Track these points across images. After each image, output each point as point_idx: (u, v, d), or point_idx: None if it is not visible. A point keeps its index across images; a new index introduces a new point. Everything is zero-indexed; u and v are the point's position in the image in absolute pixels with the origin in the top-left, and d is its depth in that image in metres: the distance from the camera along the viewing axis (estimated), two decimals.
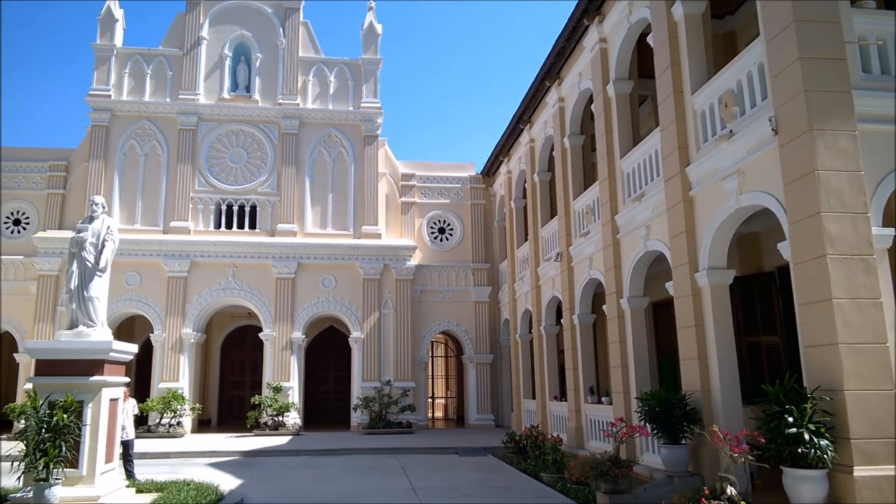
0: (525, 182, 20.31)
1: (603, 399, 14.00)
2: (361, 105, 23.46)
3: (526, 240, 19.91)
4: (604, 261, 13.45)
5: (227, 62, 23.32)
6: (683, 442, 9.39)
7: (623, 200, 12.86)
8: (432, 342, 24.99)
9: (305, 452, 16.44)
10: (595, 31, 13.91)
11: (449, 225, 24.24)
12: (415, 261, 23.04)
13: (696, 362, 9.54)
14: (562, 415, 16.28)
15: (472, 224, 24.22)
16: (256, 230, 22.27)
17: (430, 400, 25.64)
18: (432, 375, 27.15)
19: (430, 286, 23.25)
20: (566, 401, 15.78)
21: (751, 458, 7.51)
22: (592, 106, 14.43)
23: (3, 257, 21.43)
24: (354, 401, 21.33)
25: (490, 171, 24.28)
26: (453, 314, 23.26)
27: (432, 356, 26.51)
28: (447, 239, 24.12)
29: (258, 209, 22.47)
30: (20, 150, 22.66)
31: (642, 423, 10.00)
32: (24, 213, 22.18)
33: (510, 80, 65.96)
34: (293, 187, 22.62)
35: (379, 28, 24.06)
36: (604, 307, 13.45)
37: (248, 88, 23.34)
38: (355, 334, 21.97)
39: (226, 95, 23.02)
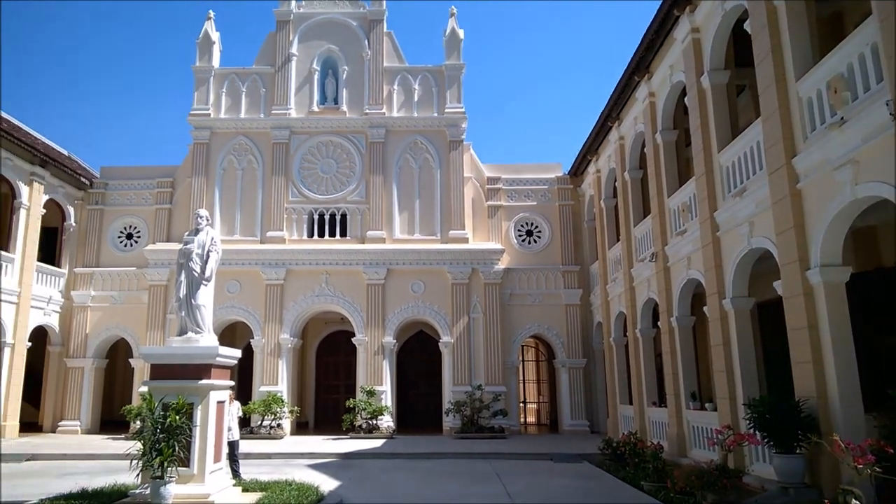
0: (615, 181, 19.80)
1: (706, 405, 13.37)
2: (446, 111, 23.63)
3: (618, 240, 19.38)
4: (703, 260, 12.87)
5: (316, 76, 24.09)
6: (798, 451, 8.79)
7: (722, 196, 12.26)
8: (522, 346, 24.71)
9: (400, 455, 16.64)
10: (686, 22, 13.37)
11: (537, 227, 23.96)
12: (503, 264, 22.91)
13: (811, 366, 8.93)
14: (661, 421, 15.68)
15: (560, 225, 23.83)
16: (347, 237, 22.82)
17: (521, 405, 25.36)
18: (523, 380, 26.86)
19: (519, 289, 23.04)
20: (665, 407, 15.20)
21: (877, 469, 6.93)
22: (686, 99, 13.87)
23: (117, 269, 23.05)
24: (446, 405, 21.41)
25: (578, 170, 23.83)
26: (544, 317, 22.93)
27: (523, 360, 26.23)
28: (535, 241, 23.85)
29: (348, 217, 23.03)
30: (131, 170, 24.34)
31: (751, 430, 9.46)
32: (135, 228, 23.76)
33: (596, 78, 64.70)
34: (381, 194, 23.05)
35: (461, 33, 24.18)
36: (704, 308, 12.86)
37: (336, 100, 24.01)
38: (445, 339, 22.08)
39: (315, 108, 23.77)
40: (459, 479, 12.96)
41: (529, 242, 23.83)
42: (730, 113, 12.68)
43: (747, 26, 10.91)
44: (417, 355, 25.30)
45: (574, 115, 64.16)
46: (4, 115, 21.20)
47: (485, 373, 21.76)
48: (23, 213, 20.87)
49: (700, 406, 13.60)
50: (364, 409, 20.57)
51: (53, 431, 21.89)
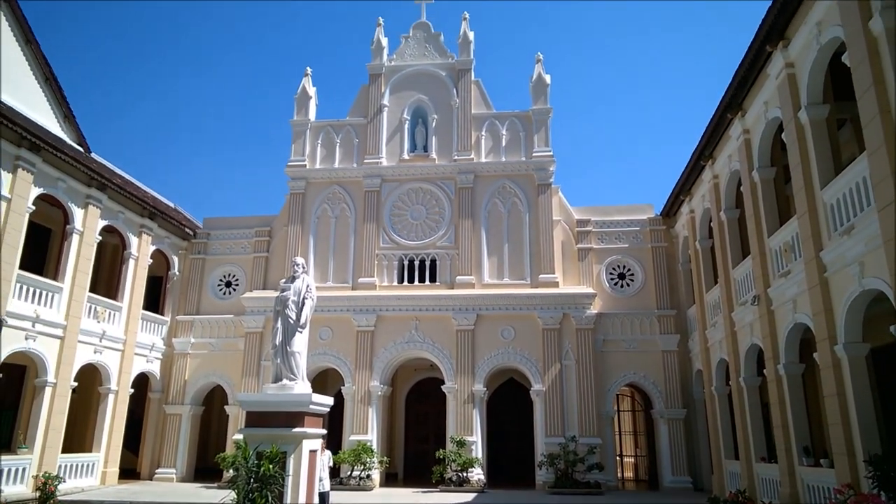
0: (710, 221, 19.00)
1: (821, 461, 12.29)
2: (533, 155, 23.65)
3: (716, 283, 18.48)
4: (811, 303, 12.01)
5: (406, 125, 24.84)
6: None
7: (828, 235, 11.48)
8: (618, 395, 23.71)
9: None
10: (780, 57, 12.85)
11: (629, 270, 23.25)
12: (594, 309, 22.30)
13: None
14: (772, 478, 14.49)
15: (654, 268, 23.01)
16: (437, 283, 22.99)
17: (618, 458, 24.18)
18: (619, 431, 25.69)
19: (612, 335, 22.27)
20: (776, 462, 14.08)
21: None
22: (783, 135, 13.22)
23: (215, 317, 24.11)
24: (538, 457, 20.73)
25: (670, 211, 23.08)
26: (639, 365, 21.99)
27: (618, 410, 25.14)
28: (628, 285, 23.12)
29: (437, 262, 23.25)
30: (232, 220, 25.72)
31: (875, 490, 8.58)
32: (234, 276, 24.89)
33: (686, 116, 63.18)
34: (470, 239, 23.17)
35: (547, 78, 24.32)
36: (814, 355, 11.95)
37: (425, 148, 24.60)
38: (536, 387, 21.57)
39: (406, 156, 24.43)
40: None
41: (622, 286, 23.12)
42: (831, 148, 11.95)
43: (846, 59, 10.34)
44: (508, 404, 24.84)
45: (664, 155, 62.72)
46: (118, 170, 22.93)
47: (578, 423, 21.01)
48: (132, 263, 22.20)
49: (815, 462, 12.52)
50: (454, 461, 20.25)
51: (151, 479, 22.39)
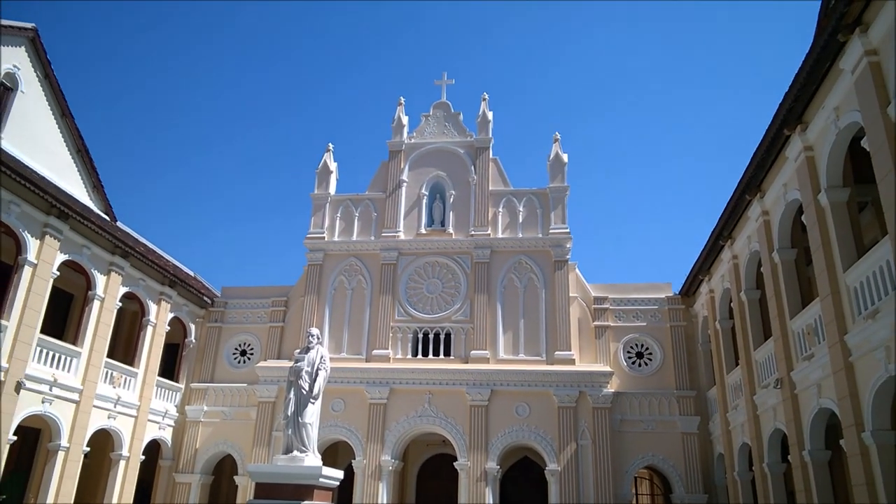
0: (730, 301, 18.85)
1: None
2: (550, 231, 23.84)
3: (737, 364, 18.16)
4: (836, 387, 11.74)
5: (424, 200, 25.26)
6: None
7: (852, 318, 11.34)
8: (636, 478, 22.94)
9: None
10: (798, 141, 13.07)
11: (647, 349, 22.94)
12: (612, 387, 21.89)
13: None
14: None
15: (672, 347, 22.69)
16: (451, 357, 22.79)
17: None
18: None
19: (629, 415, 21.75)
20: None
21: None
22: (803, 217, 13.29)
23: (229, 385, 24.00)
24: None
25: (689, 290, 22.95)
26: (658, 447, 21.35)
27: (636, 494, 24.25)
28: (646, 364, 22.75)
29: (452, 336, 23.11)
30: (249, 290, 25.92)
31: None
32: (249, 345, 24.89)
33: (704, 196, 63.73)
34: (485, 314, 23.09)
35: (565, 157, 24.80)
36: (841, 442, 11.57)
37: (442, 223, 24.92)
38: (551, 466, 20.95)
39: (423, 230, 24.72)
40: None
41: (640, 365, 22.76)
42: (853, 230, 11.96)
43: (865, 143, 10.50)
44: (522, 483, 24.08)
45: (683, 233, 62.92)
46: (141, 238, 23.46)
47: None
48: (149, 329, 22.35)
49: None
50: None
51: None
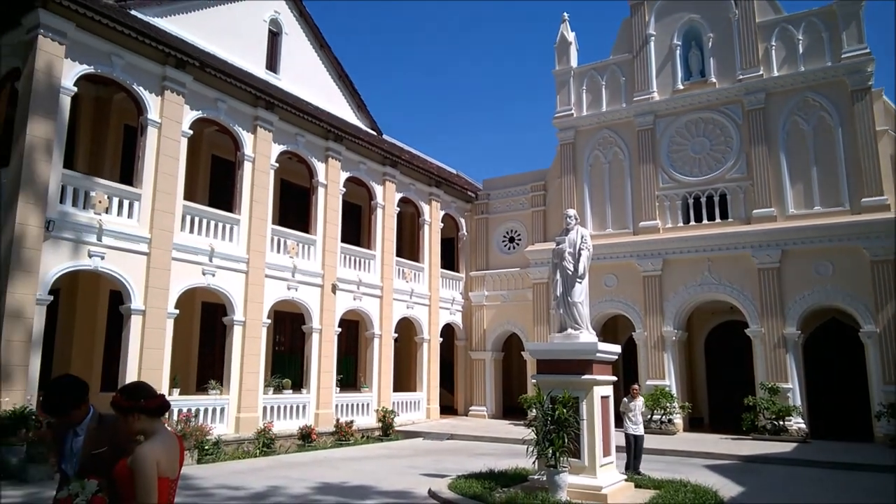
0: None
1: None
2: (843, 56, 19.81)
3: None
4: None
5: (678, 51, 22.71)
6: None
7: None
8: None
9: (817, 464, 14.40)
10: None
11: None
12: None
13: None
14: None
15: None
16: (729, 220, 20.91)
17: None
18: None
19: None
20: None
21: None
22: None
23: (503, 271, 25.49)
24: (876, 407, 17.81)
25: None
26: None
27: None
28: None
29: (728, 197, 21.08)
30: (508, 179, 26.56)
31: None
32: (516, 231, 25.94)
33: None
34: (766, 167, 20.51)
35: None
36: None
37: (702, 73, 22.26)
38: (867, 328, 18.39)
39: (679, 86, 22.42)
40: None
41: None
42: None
43: None
44: (829, 348, 21.71)
45: None
46: (406, 147, 25.48)
47: None
48: (426, 228, 24.47)
49: None
50: (766, 409, 18.45)
51: (465, 415, 25.06)
